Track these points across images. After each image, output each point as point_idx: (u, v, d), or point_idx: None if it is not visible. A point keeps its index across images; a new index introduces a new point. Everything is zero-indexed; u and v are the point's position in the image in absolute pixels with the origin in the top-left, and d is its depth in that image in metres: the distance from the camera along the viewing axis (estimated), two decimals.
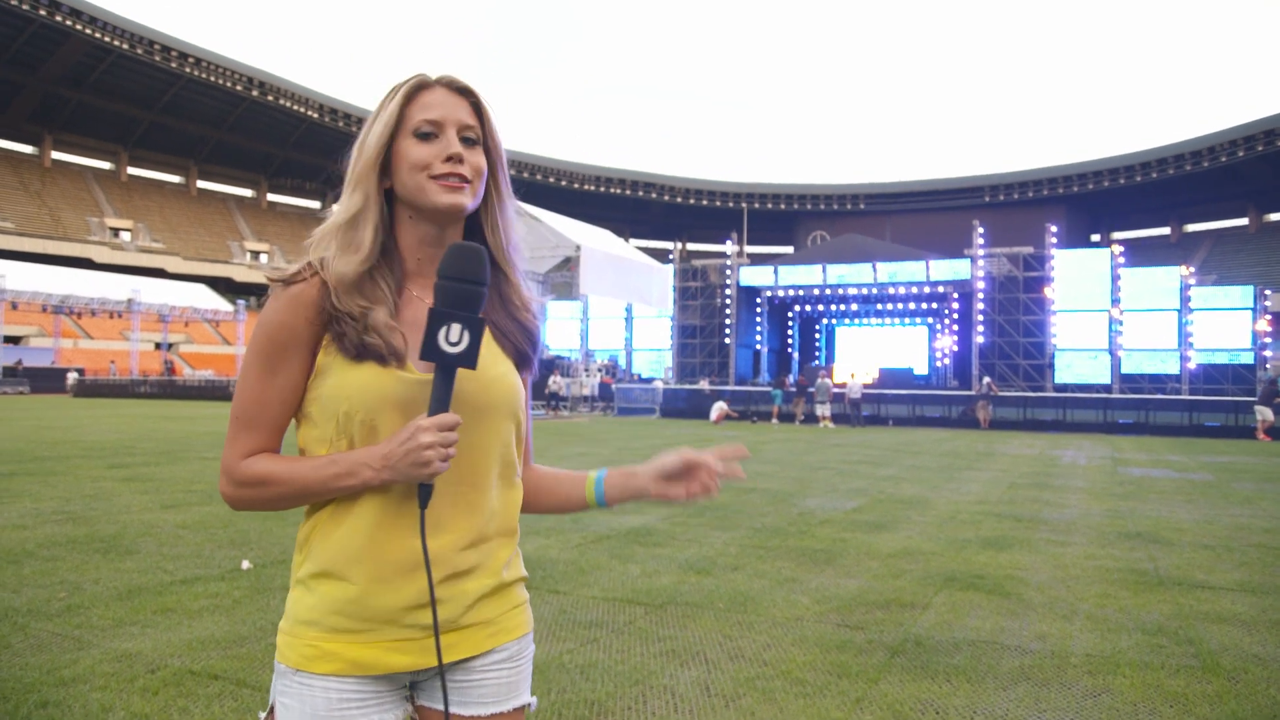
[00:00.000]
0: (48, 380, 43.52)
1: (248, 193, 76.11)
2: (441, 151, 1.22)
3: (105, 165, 67.95)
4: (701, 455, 1.34)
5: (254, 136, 70.54)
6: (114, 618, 4.26)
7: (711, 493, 1.34)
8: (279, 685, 1.22)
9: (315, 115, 67.53)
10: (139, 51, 57.47)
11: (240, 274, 66.52)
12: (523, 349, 1.31)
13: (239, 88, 63.11)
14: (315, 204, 79.52)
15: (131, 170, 68.98)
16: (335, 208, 1.27)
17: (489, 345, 1.26)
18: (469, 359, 1.13)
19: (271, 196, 77.15)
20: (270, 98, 64.84)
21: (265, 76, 64.27)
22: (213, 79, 61.50)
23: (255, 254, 69.37)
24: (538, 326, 1.35)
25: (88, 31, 54.71)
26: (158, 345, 52.97)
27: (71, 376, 42.58)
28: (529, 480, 1.41)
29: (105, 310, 46.81)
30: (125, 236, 62.15)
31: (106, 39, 55.69)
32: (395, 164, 1.24)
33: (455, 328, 1.12)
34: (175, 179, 72.07)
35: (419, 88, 1.26)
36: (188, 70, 60.11)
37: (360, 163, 1.25)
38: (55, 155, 64.80)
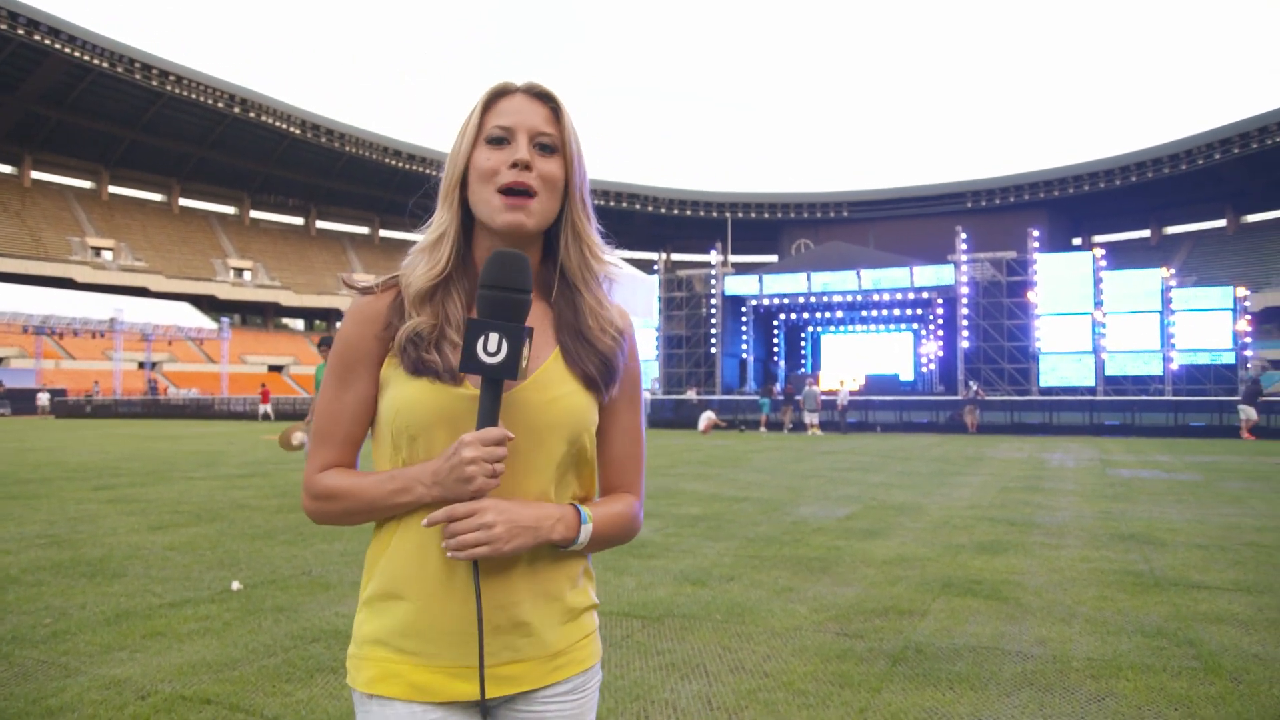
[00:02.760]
0: (29, 402, 43.10)
1: (230, 210, 75.74)
2: (509, 157, 1.18)
3: (86, 184, 67.49)
4: None
5: (236, 153, 70.22)
6: (101, 643, 4.18)
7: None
8: (357, 710, 1.21)
9: (298, 131, 67.30)
10: (119, 70, 57.16)
11: (224, 291, 66.22)
12: (591, 374, 1.23)
13: (220, 105, 62.83)
14: (299, 220, 79.20)
15: (113, 189, 68.56)
16: (430, 222, 1.25)
17: (556, 366, 1.22)
18: (509, 369, 1.09)
19: (254, 213, 76.79)
20: (252, 114, 64.57)
21: (246, 93, 64.03)
22: (194, 96, 61.20)
23: (239, 271, 69.04)
24: (615, 350, 1.26)
25: (67, 50, 54.40)
26: (141, 364, 52.58)
27: (43, 398, 42.04)
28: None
29: (87, 330, 46.40)
30: (107, 256, 61.72)
31: (86, 58, 55.37)
32: (470, 174, 1.21)
33: (493, 337, 1.08)
34: (157, 197, 71.66)
35: (498, 95, 1.22)
36: (168, 88, 59.81)
37: (447, 178, 1.23)
38: (35, 175, 64.33)
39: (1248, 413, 21.95)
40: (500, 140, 1.19)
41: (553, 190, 1.20)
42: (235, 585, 5.40)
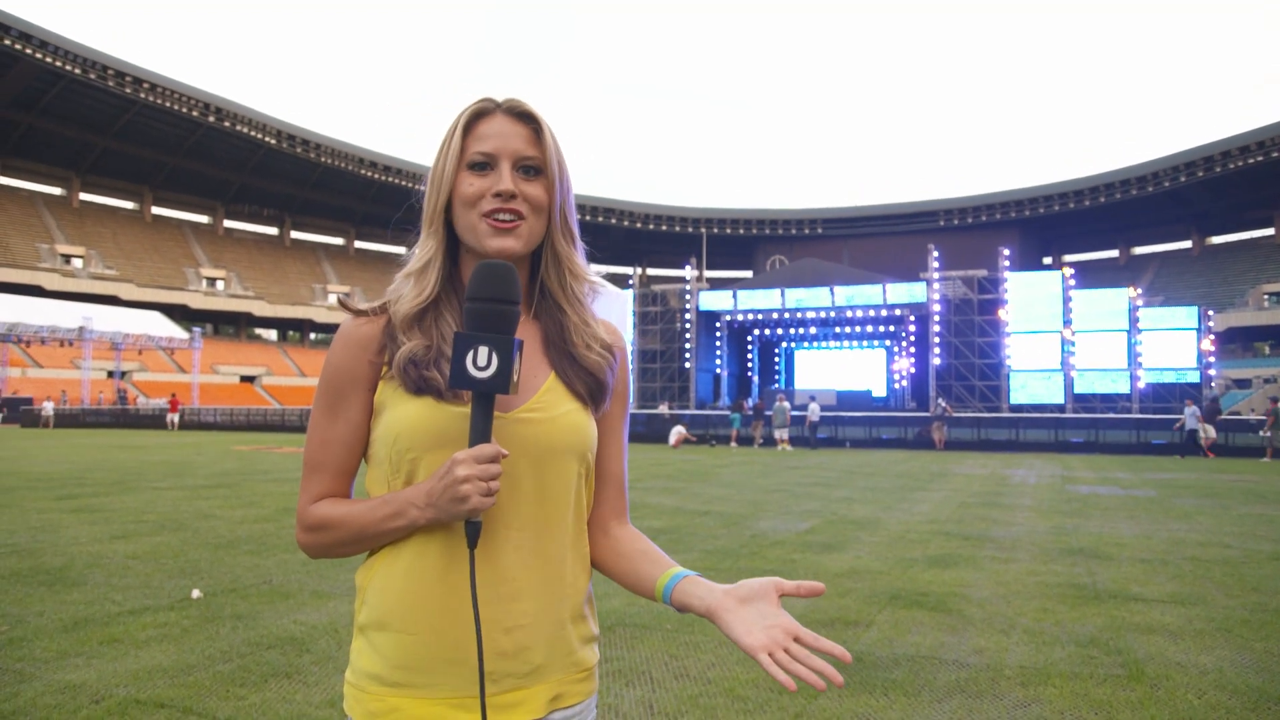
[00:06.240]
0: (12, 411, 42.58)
1: (204, 219, 75.25)
2: (492, 186, 1.17)
3: (56, 191, 66.83)
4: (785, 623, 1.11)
5: (210, 162, 69.83)
6: (58, 650, 4.24)
7: (810, 681, 1.04)
8: None
9: (273, 141, 67.10)
10: (91, 76, 56.78)
11: (196, 301, 65.74)
12: (582, 392, 1.22)
13: (195, 113, 62.54)
14: (273, 230, 78.79)
15: (84, 196, 67.91)
16: (414, 249, 1.24)
17: (555, 386, 1.21)
18: (500, 383, 1.05)
19: (228, 223, 76.33)
20: (227, 124, 64.34)
21: (221, 102, 63.81)
22: (168, 104, 60.90)
23: (211, 281, 68.61)
24: (603, 366, 1.25)
25: (38, 56, 53.99)
26: (110, 374, 52.06)
27: (47, 407, 40.78)
28: (619, 543, 1.31)
29: (55, 338, 45.92)
30: (77, 263, 61.12)
31: (58, 63, 54.98)
32: (454, 199, 1.20)
33: (483, 351, 1.05)
34: (129, 205, 71.07)
35: (477, 116, 1.20)
36: (142, 95, 59.48)
37: (430, 203, 1.22)
38: (4, 181, 63.57)
39: (1207, 431, 22.39)
40: (482, 166, 1.18)
41: (539, 213, 1.19)
42: (195, 593, 5.46)
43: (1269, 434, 21.31)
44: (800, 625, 1.10)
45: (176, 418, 37.57)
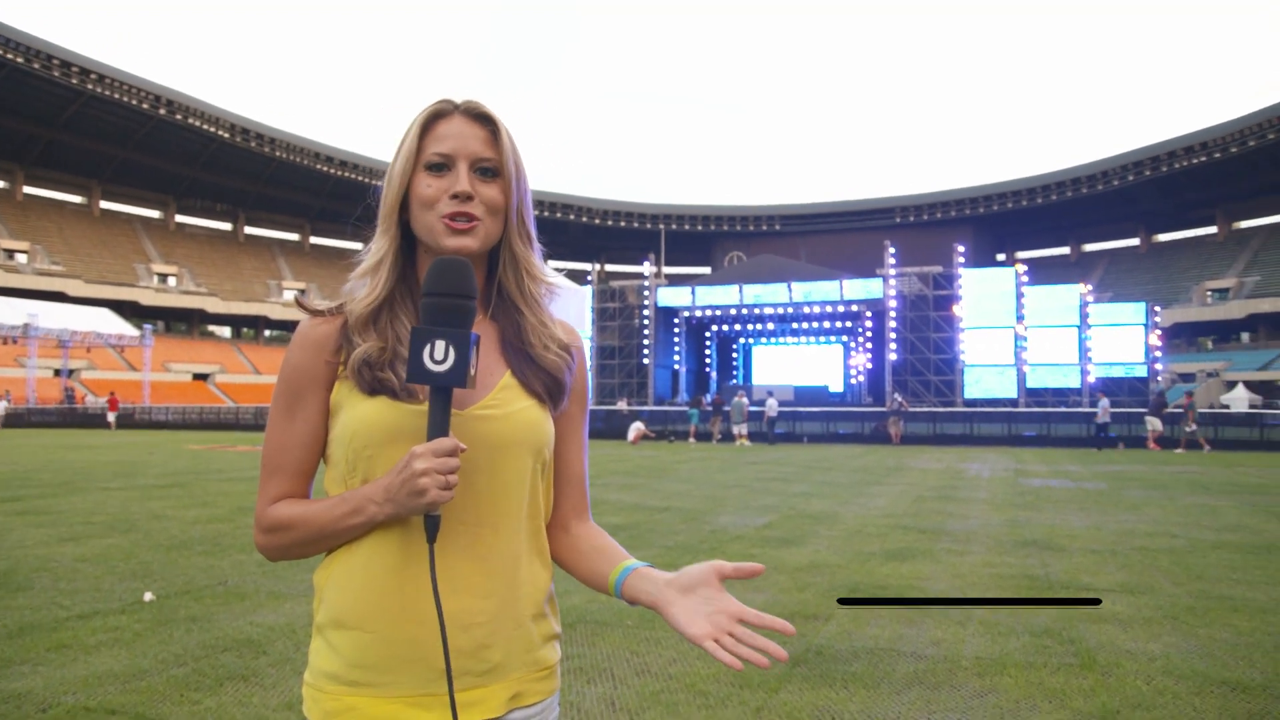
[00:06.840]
0: None
1: (155, 214, 73.62)
2: (449, 187, 1.16)
3: None
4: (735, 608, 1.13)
5: (162, 156, 68.27)
6: (2, 658, 4.12)
7: (755, 661, 1.10)
8: None
9: (226, 135, 65.85)
10: (36, 66, 55.24)
11: (147, 297, 64.31)
12: (539, 391, 1.22)
13: (145, 106, 61.12)
14: (226, 225, 77.37)
15: (29, 189, 66.06)
16: (370, 246, 1.23)
17: (510, 384, 1.21)
18: (458, 376, 1.05)
19: (180, 218, 74.77)
20: (179, 116, 62.96)
21: (173, 94, 62.43)
22: (117, 96, 59.43)
23: (163, 277, 67.15)
24: (560, 365, 1.24)
25: None
26: (57, 372, 50.80)
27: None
28: (578, 540, 1.31)
29: None
30: (21, 259, 59.48)
31: (0, 52, 53.44)
32: (410, 198, 1.19)
33: (439, 345, 1.04)
34: (77, 199, 69.29)
35: (435, 116, 1.20)
36: (90, 87, 58.00)
37: (385, 200, 1.20)
38: None
39: (1154, 424, 22.95)
40: (439, 167, 1.17)
41: (495, 214, 1.19)
42: (148, 596, 5.35)
43: (1193, 427, 22.40)
44: (744, 606, 1.12)
45: (114, 417, 36.87)
